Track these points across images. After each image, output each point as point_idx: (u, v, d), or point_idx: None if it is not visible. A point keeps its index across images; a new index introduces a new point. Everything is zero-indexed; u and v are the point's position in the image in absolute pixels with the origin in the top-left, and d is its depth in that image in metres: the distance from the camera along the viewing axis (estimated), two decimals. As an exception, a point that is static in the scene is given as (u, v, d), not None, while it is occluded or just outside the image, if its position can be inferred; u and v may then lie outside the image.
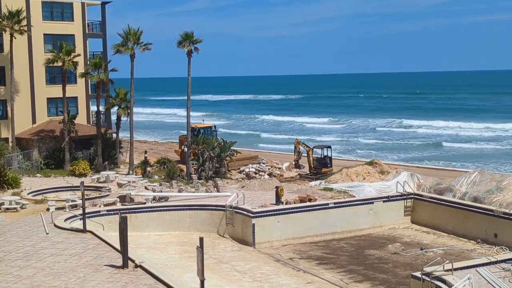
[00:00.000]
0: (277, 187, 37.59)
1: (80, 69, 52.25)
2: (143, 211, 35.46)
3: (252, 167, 52.52)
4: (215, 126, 62.20)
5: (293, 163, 56.01)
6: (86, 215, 29.70)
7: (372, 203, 37.87)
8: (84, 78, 53.53)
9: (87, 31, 56.65)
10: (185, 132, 54.50)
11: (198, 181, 45.08)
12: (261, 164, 54.26)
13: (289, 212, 35.21)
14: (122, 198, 37.23)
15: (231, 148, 51.79)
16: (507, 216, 33.07)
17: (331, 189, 41.85)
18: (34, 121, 53.50)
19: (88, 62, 52.85)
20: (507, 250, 31.76)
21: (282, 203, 36.68)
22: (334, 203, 36.84)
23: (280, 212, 34.99)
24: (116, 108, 51.20)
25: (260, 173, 51.59)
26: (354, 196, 39.86)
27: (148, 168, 50.15)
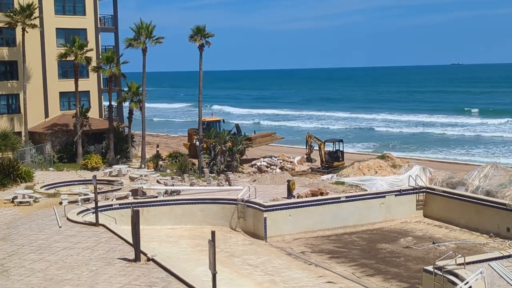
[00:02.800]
0: (288, 181, 37.60)
1: (92, 63, 52.42)
2: (155, 205, 35.58)
3: (263, 161, 52.50)
4: (223, 120, 62.46)
5: (305, 157, 55.95)
6: (99, 209, 29.83)
7: (384, 197, 37.78)
8: (96, 72, 53.69)
9: (99, 25, 56.79)
10: (193, 126, 54.79)
11: (210, 175, 45.14)
12: (272, 158, 54.23)
13: (301, 206, 35.19)
14: (134, 192, 37.36)
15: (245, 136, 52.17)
16: (520, 210, 32.88)
17: (342, 183, 41.79)
18: (46, 115, 53.76)
19: (100, 56, 52.99)
20: (520, 244, 31.61)
21: (294, 196, 36.69)
22: (346, 197, 36.79)
23: (292, 206, 34.99)
24: (128, 102, 51.39)
25: (272, 167, 51.56)
26: (366, 190, 39.78)
27: (160, 162, 50.27)
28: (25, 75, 50.82)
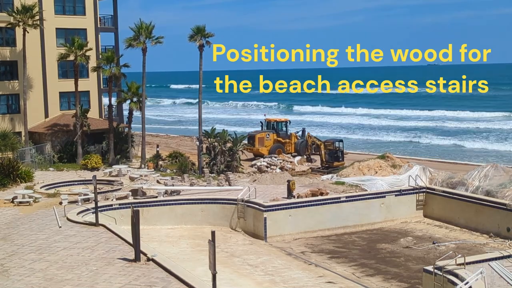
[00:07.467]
0: (288, 181, 37.58)
1: (92, 63, 52.46)
2: (155, 205, 35.58)
3: (263, 161, 52.50)
4: (289, 121, 62.58)
5: (305, 157, 55.95)
6: (99, 209, 29.83)
7: (384, 197, 37.78)
8: (96, 72, 53.71)
9: (99, 25, 56.81)
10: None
11: (210, 175, 45.13)
12: (272, 158, 54.24)
13: (301, 206, 35.19)
14: (134, 192, 37.36)
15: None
16: (520, 210, 32.87)
17: (342, 183, 41.75)
18: (46, 115, 53.77)
19: (100, 56, 53.01)
20: (520, 244, 31.62)
21: (294, 196, 36.67)
22: (346, 197, 36.79)
23: (292, 206, 34.98)
24: (128, 102, 51.42)
25: (272, 167, 51.54)
26: (366, 190, 39.74)
27: (160, 162, 50.27)
28: (25, 75, 50.84)
